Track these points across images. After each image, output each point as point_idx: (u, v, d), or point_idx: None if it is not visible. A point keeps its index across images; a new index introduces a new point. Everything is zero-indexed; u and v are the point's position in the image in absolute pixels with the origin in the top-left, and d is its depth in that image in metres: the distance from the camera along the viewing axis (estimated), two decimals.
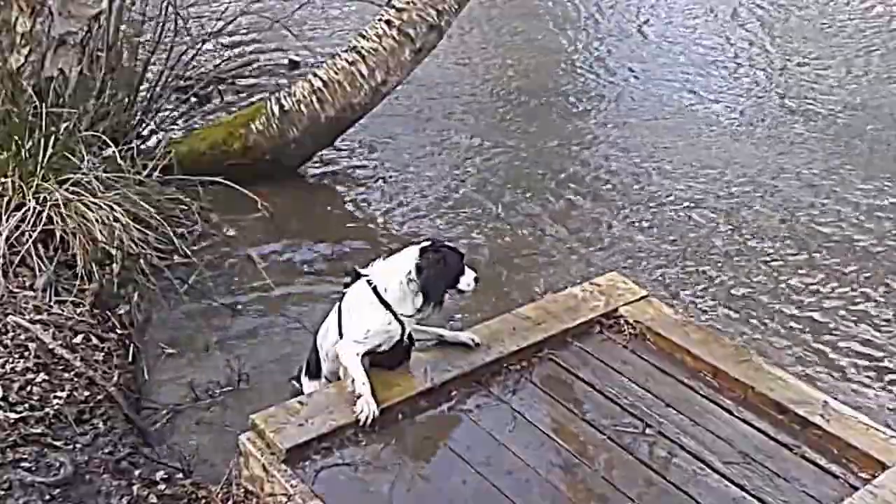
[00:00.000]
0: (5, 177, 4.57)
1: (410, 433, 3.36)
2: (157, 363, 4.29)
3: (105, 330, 4.30)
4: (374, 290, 3.45)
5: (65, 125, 4.60)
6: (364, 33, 6.28)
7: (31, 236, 4.37)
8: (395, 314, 3.45)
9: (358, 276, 3.54)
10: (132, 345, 4.31)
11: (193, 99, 7.00)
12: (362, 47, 6.22)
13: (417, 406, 3.48)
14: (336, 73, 6.22)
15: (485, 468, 3.23)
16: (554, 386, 3.71)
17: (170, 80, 6.33)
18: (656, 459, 3.32)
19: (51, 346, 3.90)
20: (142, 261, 4.51)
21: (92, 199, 4.49)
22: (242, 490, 3.23)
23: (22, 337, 3.94)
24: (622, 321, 4.11)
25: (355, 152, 6.84)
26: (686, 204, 6.16)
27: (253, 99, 7.38)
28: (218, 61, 7.52)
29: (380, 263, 3.55)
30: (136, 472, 3.38)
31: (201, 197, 5.27)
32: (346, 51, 6.29)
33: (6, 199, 4.46)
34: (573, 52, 9.13)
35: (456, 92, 8.05)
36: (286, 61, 8.40)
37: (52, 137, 4.54)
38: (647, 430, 3.46)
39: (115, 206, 4.52)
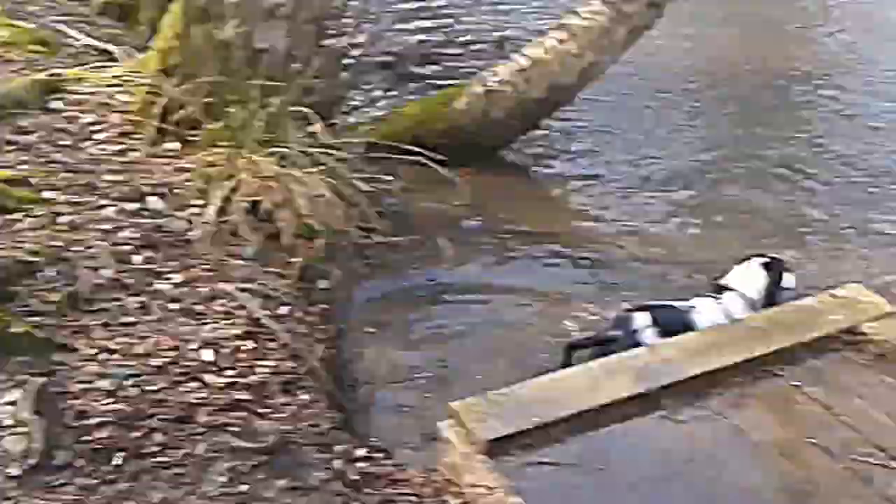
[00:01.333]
0: (217, 146, 4.91)
1: (619, 439, 3.37)
2: (357, 340, 4.50)
3: (308, 304, 4.56)
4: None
5: (275, 99, 4.87)
6: (576, 10, 6.31)
7: (240, 207, 4.67)
8: None
9: (721, 288, 4.38)
10: (334, 320, 4.54)
11: (395, 77, 7.27)
12: (574, 25, 6.27)
13: (626, 411, 3.50)
14: (545, 53, 6.30)
15: (701, 484, 3.19)
16: (781, 404, 3.64)
17: (372, 56, 6.61)
18: None
19: (258, 316, 4.18)
20: (346, 238, 4.72)
21: (299, 174, 4.75)
22: (442, 477, 3.35)
23: (231, 305, 4.24)
24: (864, 339, 3.96)
25: (558, 135, 6.86)
26: None
27: (457, 77, 7.58)
28: (421, 38, 7.73)
29: (734, 276, 4.41)
30: (338, 448, 3.58)
31: (401, 176, 5.48)
32: (555, 29, 6.34)
33: (218, 168, 4.79)
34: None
35: (672, 72, 7.90)
36: (491, 39, 8.52)
37: (264, 110, 4.82)
38: (893, 464, 3.31)
39: (322, 182, 4.76)
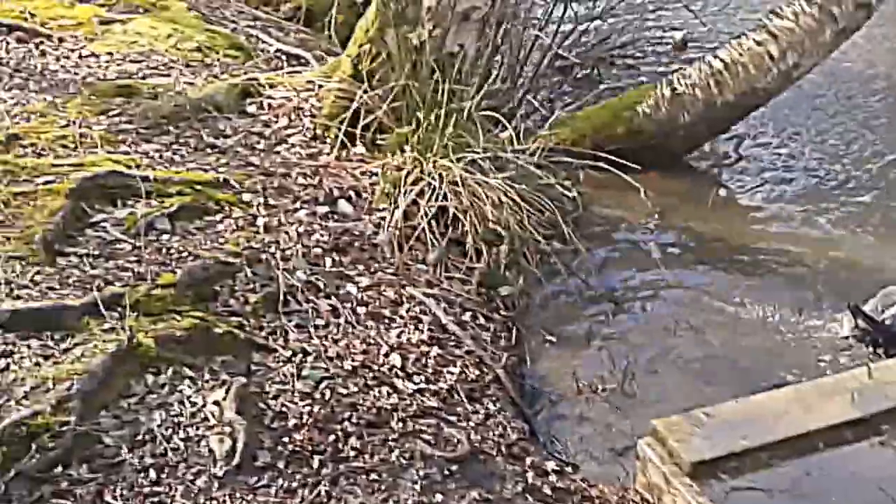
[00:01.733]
0: (403, 151, 5.00)
1: (835, 466, 3.21)
2: (539, 349, 4.48)
3: (490, 310, 4.58)
4: None
5: (463, 103, 4.92)
6: (778, 11, 6.06)
7: (426, 212, 4.73)
8: None
9: None
10: (515, 328, 4.54)
11: (573, 80, 7.20)
12: (775, 26, 6.02)
13: (841, 436, 3.33)
14: (740, 55, 6.08)
15: None
16: None
17: (554, 59, 6.58)
18: None
19: (444, 322, 4.23)
20: (528, 244, 4.71)
21: (485, 179, 4.77)
22: (639, 497, 3.28)
23: (417, 310, 4.31)
24: None
25: (751, 141, 6.62)
26: None
27: (636, 80, 7.44)
28: (601, 39, 7.63)
29: None
30: (528, 460, 3.57)
31: (581, 181, 5.43)
32: (754, 30, 6.12)
33: (404, 172, 4.87)
34: None
35: (874, 79, 7.49)
36: (673, 40, 8.31)
37: (453, 114, 4.87)
38: None
39: (507, 188, 4.77)
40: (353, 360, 3.85)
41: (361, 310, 4.19)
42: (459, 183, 4.75)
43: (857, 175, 6.17)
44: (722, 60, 6.13)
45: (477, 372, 4.04)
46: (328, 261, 4.40)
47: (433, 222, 4.77)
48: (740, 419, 3.31)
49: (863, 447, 3.28)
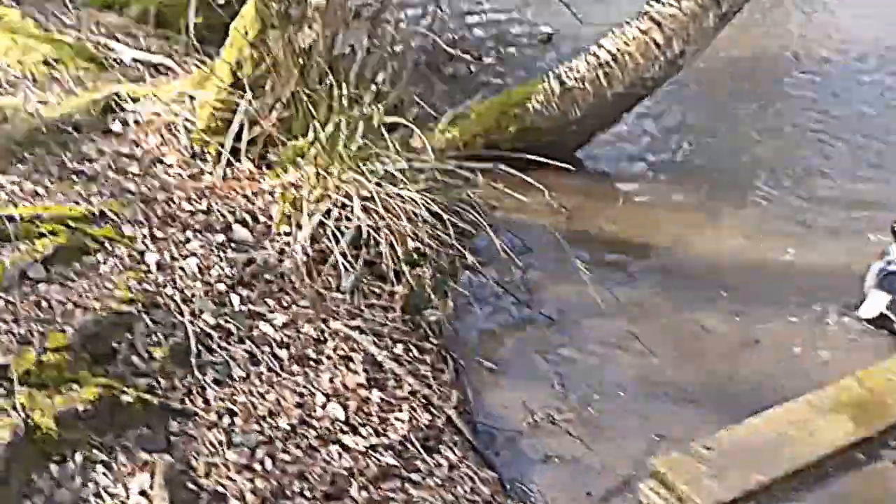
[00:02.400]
0: (300, 165, 4.45)
1: (853, 490, 2.98)
2: (481, 379, 4.06)
3: (420, 339, 4.12)
4: None
5: (365, 109, 4.43)
6: None
7: (336, 233, 4.21)
8: None
9: None
10: (451, 357, 4.10)
11: (450, 77, 6.81)
12: (658, 13, 5.81)
13: (853, 459, 3.14)
14: (627, 44, 5.84)
15: None
16: None
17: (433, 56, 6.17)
18: None
19: (378, 359, 3.74)
20: (454, 260, 4.28)
21: (398, 192, 4.29)
22: None
23: (344, 347, 3.80)
24: None
25: (639, 133, 6.43)
26: None
27: (512, 76, 7.16)
28: (473, 34, 7.28)
29: None
30: None
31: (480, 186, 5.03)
32: (637, 18, 5.90)
33: (306, 189, 4.32)
34: None
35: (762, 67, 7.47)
36: (540, 35, 8.06)
37: (351, 121, 4.37)
38: None
39: (423, 199, 4.31)
40: (288, 417, 3.32)
41: (283, 353, 3.65)
42: (371, 198, 4.24)
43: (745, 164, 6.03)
44: (608, 51, 5.89)
45: (427, 416, 3.58)
46: (235, 298, 3.82)
47: (344, 244, 4.24)
48: (744, 450, 3.02)
49: (877, 469, 3.05)
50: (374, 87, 4.69)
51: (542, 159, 5.17)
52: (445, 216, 4.32)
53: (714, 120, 6.75)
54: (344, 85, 4.46)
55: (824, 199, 5.61)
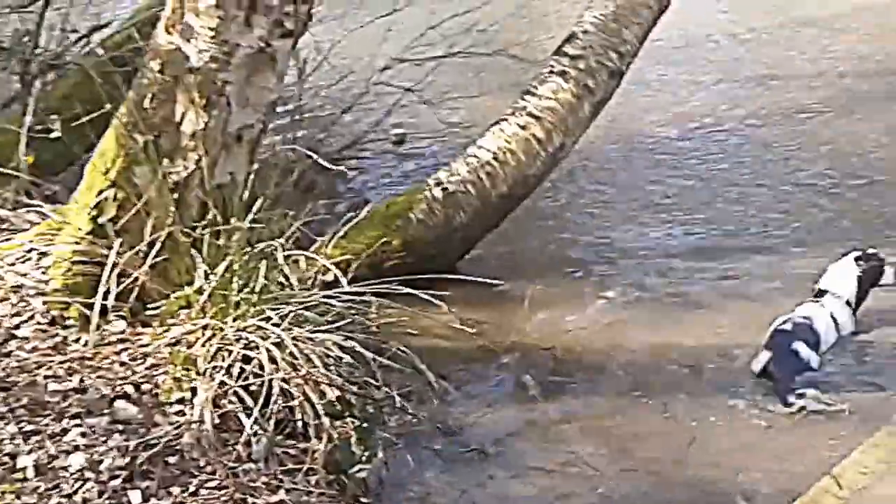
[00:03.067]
0: (184, 319, 3.88)
1: None
2: None
3: (349, 500, 3.58)
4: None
5: (259, 244, 3.94)
6: (533, 90, 5.70)
7: (237, 393, 3.65)
8: None
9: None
10: None
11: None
12: (535, 107, 5.64)
13: None
14: (507, 142, 5.63)
15: None
16: None
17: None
18: None
19: None
20: (381, 404, 3.81)
21: (308, 334, 3.79)
22: None
23: None
24: None
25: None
26: None
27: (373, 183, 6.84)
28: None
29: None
30: None
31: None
32: (512, 114, 5.70)
33: (198, 345, 3.75)
34: None
35: None
36: (392, 136, 7.75)
37: (250, 260, 3.86)
38: None
39: (335, 339, 3.83)
40: None
41: None
42: (280, 345, 3.71)
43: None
44: (489, 150, 5.65)
45: None
46: (135, 496, 3.18)
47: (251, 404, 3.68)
48: None
49: None
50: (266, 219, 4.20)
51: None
52: (366, 353, 3.86)
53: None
54: (235, 218, 3.96)
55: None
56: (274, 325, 3.76)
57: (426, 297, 4.35)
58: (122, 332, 3.92)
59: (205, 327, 3.77)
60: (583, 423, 4.22)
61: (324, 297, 4.00)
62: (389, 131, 7.69)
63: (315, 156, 5.32)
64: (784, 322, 4.55)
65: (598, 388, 4.51)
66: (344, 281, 4.05)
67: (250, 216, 4.05)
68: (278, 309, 3.81)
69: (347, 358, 3.82)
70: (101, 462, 3.23)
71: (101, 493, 3.10)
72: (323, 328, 3.87)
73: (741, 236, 5.92)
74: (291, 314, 3.82)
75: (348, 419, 3.75)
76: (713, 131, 7.32)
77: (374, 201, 6.22)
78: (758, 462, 3.90)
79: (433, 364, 4.27)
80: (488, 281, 5.05)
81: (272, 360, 3.68)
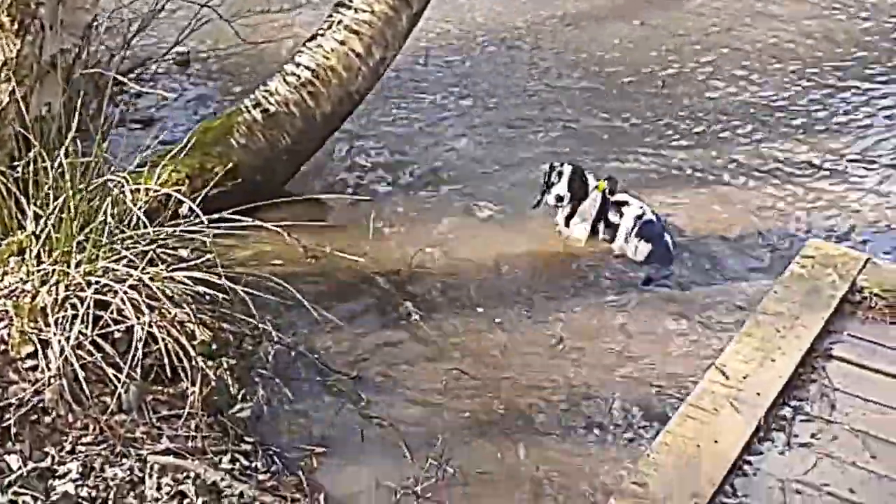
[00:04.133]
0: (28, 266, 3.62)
1: (776, 486, 3.04)
2: (314, 469, 3.56)
3: (235, 442, 3.53)
4: None
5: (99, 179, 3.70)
6: (346, 2, 5.58)
7: (96, 342, 3.47)
8: None
9: None
10: (276, 455, 3.55)
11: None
12: (353, 20, 5.55)
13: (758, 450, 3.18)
14: (326, 58, 5.52)
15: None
16: (867, 389, 3.46)
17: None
18: None
19: (223, 484, 3.14)
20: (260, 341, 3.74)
21: (168, 273, 3.64)
22: None
23: (167, 481, 3.13)
24: (868, 294, 3.89)
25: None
26: None
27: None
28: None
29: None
30: None
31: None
32: (328, 28, 5.58)
33: (43, 294, 3.51)
34: None
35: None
36: (176, 55, 7.36)
37: (92, 198, 3.64)
38: None
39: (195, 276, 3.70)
40: None
41: None
42: (137, 288, 3.53)
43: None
44: (307, 68, 5.52)
45: None
46: (12, 460, 3.00)
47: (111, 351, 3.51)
48: (671, 476, 2.94)
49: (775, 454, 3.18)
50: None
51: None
52: (238, 289, 3.74)
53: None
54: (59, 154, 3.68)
55: None
56: (127, 266, 3.56)
57: (271, 227, 4.19)
58: None
59: (46, 274, 3.52)
60: (452, 340, 4.33)
61: (175, 232, 3.81)
62: (175, 51, 7.39)
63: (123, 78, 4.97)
64: (642, 213, 4.99)
65: (453, 305, 4.61)
66: (200, 213, 3.83)
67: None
68: (128, 249, 3.61)
69: (205, 294, 3.67)
70: None
71: None
72: (181, 265, 3.70)
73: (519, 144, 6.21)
74: (144, 253, 3.62)
75: (222, 359, 3.63)
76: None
77: (176, 126, 5.98)
78: (625, 361, 4.20)
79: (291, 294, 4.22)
80: (343, 197, 5.16)
81: (132, 303, 3.50)
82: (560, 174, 5.01)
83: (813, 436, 3.25)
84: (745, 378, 3.41)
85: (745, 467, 3.10)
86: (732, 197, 5.51)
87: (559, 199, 4.98)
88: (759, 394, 3.33)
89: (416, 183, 5.77)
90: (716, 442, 3.12)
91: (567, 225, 5.16)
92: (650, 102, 6.65)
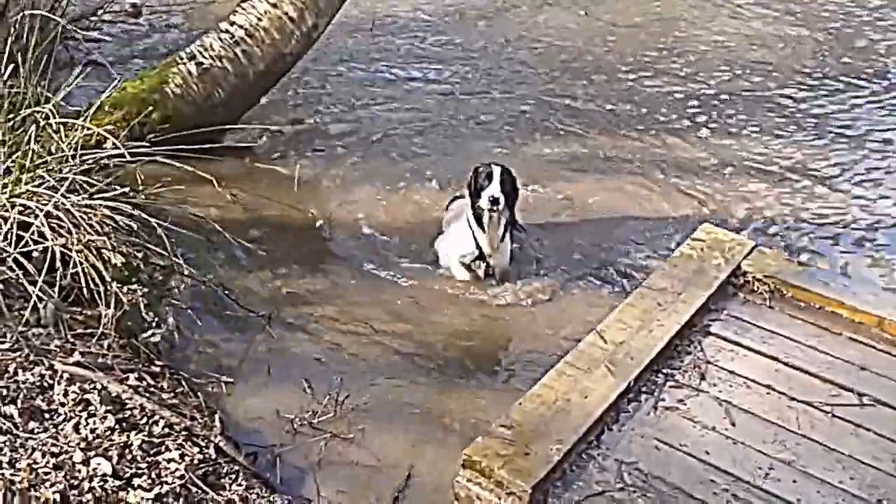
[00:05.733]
0: None
1: (637, 442, 3.36)
2: (223, 396, 3.84)
3: (145, 364, 3.79)
4: None
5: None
6: None
7: (17, 259, 3.70)
8: None
9: None
10: (183, 380, 3.82)
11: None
12: None
13: (620, 408, 3.49)
14: (259, 20, 5.78)
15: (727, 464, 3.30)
16: (737, 364, 3.79)
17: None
18: None
19: (121, 396, 3.39)
20: (169, 270, 3.99)
21: (88, 200, 3.88)
22: None
23: (74, 390, 3.38)
24: (751, 278, 4.25)
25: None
26: None
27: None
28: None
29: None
30: None
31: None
32: None
33: None
34: None
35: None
36: (126, 6, 7.58)
37: (21, 123, 3.86)
38: (865, 401, 3.62)
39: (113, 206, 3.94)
40: (53, 485, 2.90)
41: (10, 410, 3.16)
42: (56, 212, 3.77)
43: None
44: (242, 27, 5.77)
45: (196, 449, 3.31)
46: None
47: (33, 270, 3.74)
48: (538, 423, 3.23)
49: (647, 415, 3.48)
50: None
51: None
52: (154, 221, 3.99)
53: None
54: None
55: None
56: (49, 191, 3.80)
57: (197, 172, 4.44)
58: None
59: None
60: (363, 291, 4.64)
61: (97, 163, 4.05)
62: (128, 2, 7.62)
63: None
64: None
65: (370, 256, 4.92)
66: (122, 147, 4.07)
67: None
68: (53, 176, 3.85)
69: (126, 225, 3.91)
70: None
71: None
72: (103, 195, 3.94)
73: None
74: (67, 181, 3.86)
75: (136, 286, 3.88)
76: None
77: (119, 74, 6.18)
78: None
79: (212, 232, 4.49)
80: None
81: (51, 226, 3.74)
82: (490, 175, 4.51)
83: (680, 401, 3.56)
84: (621, 343, 3.72)
85: (611, 423, 3.41)
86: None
87: (494, 201, 4.44)
88: (632, 358, 3.64)
89: (354, 148, 6.06)
90: (585, 398, 3.42)
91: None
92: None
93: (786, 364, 3.80)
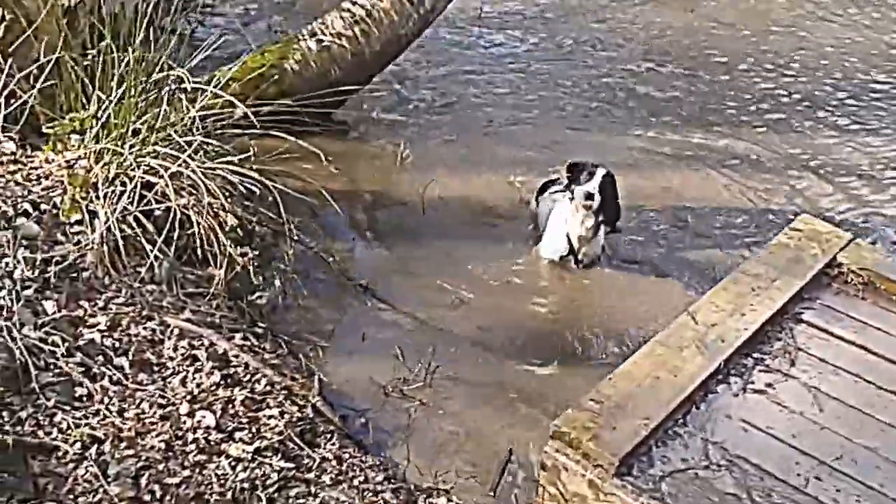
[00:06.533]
0: (86, 144, 3.86)
1: (724, 422, 3.18)
2: (317, 360, 3.79)
3: (249, 325, 3.76)
4: None
5: (158, 74, 3.91)
6: None
7: (138, 217, 3.71)
8: None
9: None
10: (284, 342, 3.78)
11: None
12: None
13: (709, 388, 3.30)
14: (380, 0, 5.68)
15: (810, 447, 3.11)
16: (827, 352, 3.56)
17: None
18: None
19: (228, 353, 3.36)
20: (280, 237, 3.96)
21: (211, 165, 3.86)
22: None
23: (184, 345, 3.36)
24: (846, 270, 4.00)
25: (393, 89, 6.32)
26: None
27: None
28: None
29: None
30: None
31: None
32: None
33: (97, 170, 3.75)
34: None
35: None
36: None
37: (149, 90, 3.85)
38: None
39: (232, 173, 3.91)
40: (159, 434, 2.88)
41: (122, 361, 3.16)
42: (180, 175, 3.76)
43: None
44: (362, 6, 5.68)
45: (295, 409, 3.26)
46: (48, 305, 3.23)
47: (152, 229, 3.75)
48: (626, 399, 3.08)
49: (737, 396, 3.29)
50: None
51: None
52: (270, 185, 3.95)
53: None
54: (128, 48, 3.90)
55: None
56: (175, 153, 3.79)
57: (306, 145, 4.38)
58: (13, 153, 3.85)
59: (102, 152, 3.76)
60: (460, 266, 4.49)
61: (222, 131, 4.03)
62: None
63: None
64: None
65: (464, 233, 4.80)
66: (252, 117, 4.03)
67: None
68: (179, 138, 3.84)
69: (246, 189, 3.89)
70: (12, 272, 3.24)
71: (16, 300, 3.12)
72: (223, 161, 3.92)
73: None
74: (193, 145, 3.84)
75: (247, 248, 3.85)
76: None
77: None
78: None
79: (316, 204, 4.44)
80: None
81: (174, 187, 3.73)
82: (592, 174, 4.33)
83: (768, 385, 3.35)
84: (713, 326, 3.53)
85: (699, 402, 3.24)
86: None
87: (589, 196, 4.28)
88: (723, 341, 3.45)
89: (454, 132, 5.91)
90: (675, 376, 3.25)
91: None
92: None
93: (875, 354, 3.55)
